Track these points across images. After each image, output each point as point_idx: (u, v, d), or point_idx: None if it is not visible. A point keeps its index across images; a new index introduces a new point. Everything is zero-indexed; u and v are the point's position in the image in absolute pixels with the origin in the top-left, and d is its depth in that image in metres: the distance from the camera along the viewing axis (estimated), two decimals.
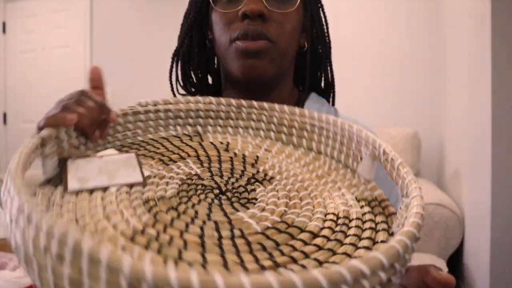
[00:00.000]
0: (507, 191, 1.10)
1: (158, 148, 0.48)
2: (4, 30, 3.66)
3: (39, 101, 3.48)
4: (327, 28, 0.66)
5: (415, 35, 2.35)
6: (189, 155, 0.46)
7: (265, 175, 0.44)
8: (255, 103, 0.52)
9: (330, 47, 0.66)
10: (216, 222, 0.34)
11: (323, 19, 0.65)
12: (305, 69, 0.63)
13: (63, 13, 3.41)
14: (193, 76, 0.69)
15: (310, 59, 0.63)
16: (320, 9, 0.65)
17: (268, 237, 0.32)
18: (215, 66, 0.69)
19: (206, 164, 0.45)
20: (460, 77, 1.60)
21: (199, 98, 0.53)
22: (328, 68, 0.66)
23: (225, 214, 0.35)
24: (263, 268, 0.28)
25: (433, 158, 2.30)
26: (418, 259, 1.36)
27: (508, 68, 1.10)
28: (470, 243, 1.37)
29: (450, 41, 1.85)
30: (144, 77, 3.07)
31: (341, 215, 0.36)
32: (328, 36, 0.66)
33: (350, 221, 0.36)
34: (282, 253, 0.31)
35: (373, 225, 0.35)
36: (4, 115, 3.66)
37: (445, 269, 1.33)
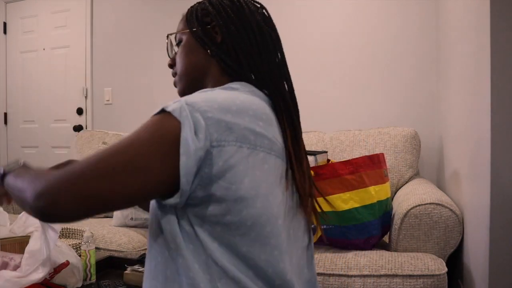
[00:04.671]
0: (507, 191, 1.11)
1: None
2: (5, 31, 3.67)
3: (39, 101, 3.49)
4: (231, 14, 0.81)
5: (414, 35, 2.35)
6: None
7: None
8: None
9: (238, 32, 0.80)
10: None
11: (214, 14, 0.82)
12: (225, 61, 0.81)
13: (64, 14, 3.41)
14: None
15: (226, 49, 0.81)
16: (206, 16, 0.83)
17: None
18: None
19: None
20: (459, 77, 1.60)
21: None
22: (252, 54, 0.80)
23: None
24: None
25: (432, 158, 2.31)
26: (417, 258, 1.36)
27: (507, 68, 1.10)
28: (470, 243, 1.37)
29: (449, 41, 1.86)
30: (144, 77, 3.07)
31: None
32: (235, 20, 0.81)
33: None
34: None
35: None
36: (5, 115, 3.67)
37: (444, 268, 1.33)
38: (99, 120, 3.27)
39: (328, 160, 1.93)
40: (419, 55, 2.34)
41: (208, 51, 0.81)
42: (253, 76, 0.79)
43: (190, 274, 0.65)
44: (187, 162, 0.62)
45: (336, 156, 2.12)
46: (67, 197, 0.58)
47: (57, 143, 3.44)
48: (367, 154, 2.03)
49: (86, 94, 3.30)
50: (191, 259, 0.65)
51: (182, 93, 0.86)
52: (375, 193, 1.50)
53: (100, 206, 0.60)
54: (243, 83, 0.78)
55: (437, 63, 2.29)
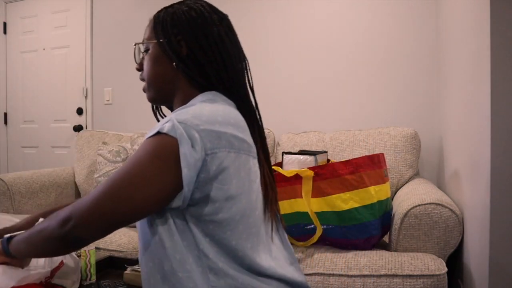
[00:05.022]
0: (507, 191, 1.11)
1: None
2: (5, 31, 3.67)
3: (39, 101, 3.49)
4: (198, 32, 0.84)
5: (414, 35, 2.35)
6: None
7: None
8: None
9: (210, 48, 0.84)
10: None
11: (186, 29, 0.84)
12: (190, 75, 0.84)
13: (64, 14, 3.41)
14: None
15: (191, 65, 0.84)
16: (175, 26, 0.85)
17: None
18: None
19: None
20: (459, 77, 1.60)
21: None
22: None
23: None
24: None
25: (432, 158, 2.31)
26: (417, 258, 1.36)
27: (507, 68, 1.10)
28: (470, 243, 1.37)
29: (449, 41, 1.86)
30: None
31: None
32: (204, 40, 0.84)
33: None
34: None
35: None
36: (5, 115, 3.67)
37: (444, 268, 1.33)
38: (99, 120, 3.27)
39: (328, 160, 1.93)
40: (419, 55, 2.34)
41: (174, 64, 0.85)
42: (220, 87, 0.85)
43: (186, 267, 0.73)
44: (188, 174, 0.70)
45: (336, 156, 2.12)
46: (90, 219, 0.68)
47: (57, 143, 3.44)
48: (367, 154, 2.03)
49: (86, 94, 3.30)
50: (186, 254, 0.73)
51: (152, 100, 0.92)
52: (375, 193, 1.50)
53: (119, 223, 0.70)
54: (214, 92, 0.84)
55: (437, 63, 2.29)
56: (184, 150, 0.70)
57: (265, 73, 2.68)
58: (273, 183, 0.89)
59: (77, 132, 3.31)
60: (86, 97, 3.31)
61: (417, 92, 2.34)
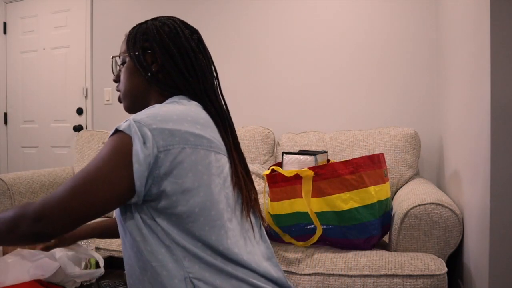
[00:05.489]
0: (507, 191, 1.11)
1: None
2: (5, 31, 3.67)
3: (39, 101, 3.49)
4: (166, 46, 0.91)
5: (415, 35, 2.35)
6: None
7: None
8: None
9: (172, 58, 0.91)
10: None
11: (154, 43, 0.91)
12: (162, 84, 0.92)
13: (64, 14, 3.41)
14: None
15: (162, 76, 0.92)
16: (143, 43, 0.92)
17: None
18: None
19: None
20: (459, 77, 1.60)
21: None
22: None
23: None
24: None
25: (432, 158, 2.31)
26: (417, 258, 1.36)
27: (507, 68, 1.10)
28: (470, 243, 1.37)
29: (449, 41, 1.86)
30: None
31: None
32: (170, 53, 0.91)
33: None
34: None
35: None
36: (5, 115, 3.67)
37: (444, 268, 1.33)
38: (99, 120, 3.27)
39: (328, 160, 1.93)
40: (419, 55, 2.34)
41: (147, 76, 0.91)
42: (191, 96, 0.91)
43: (159, 257, 0.77)
44: (139, 168, 0.75)
45: (336, 156, 2.12)
46: (62, 216, 0.73)
47: (57, 143, 3.44)
48: (367, 154, 2.03)
49: (86, 94, 3.30)
50: (158, 245, 0.78)
51: (127, 110, 0.98)
52: (375, 193, 1.50)
53: (86, 218, 0.75)
54: (180, 96, 0.90)
55: (437, 63, 2.29)
56: (136, 146, 0.75)
57: (265, 73, 2.68)
58: (247, 181, 0.93)
59: (77, 132, 3.31)
60: (86, 97, 3.31)
61: (417, 92, 2.35)
